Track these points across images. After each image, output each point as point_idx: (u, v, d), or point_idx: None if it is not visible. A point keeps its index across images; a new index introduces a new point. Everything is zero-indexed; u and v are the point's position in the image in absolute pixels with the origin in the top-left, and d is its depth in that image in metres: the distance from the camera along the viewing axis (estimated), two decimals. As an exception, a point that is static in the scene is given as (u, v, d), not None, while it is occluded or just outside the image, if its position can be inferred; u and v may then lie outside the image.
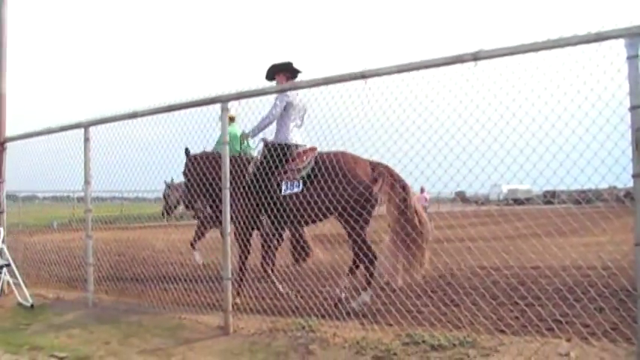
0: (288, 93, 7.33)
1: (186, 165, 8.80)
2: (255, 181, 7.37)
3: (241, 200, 7.36)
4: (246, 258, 7.59)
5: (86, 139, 8.10)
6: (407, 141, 5.14)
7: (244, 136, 7.91)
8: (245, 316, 6.56)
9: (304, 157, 7.28)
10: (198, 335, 6.21)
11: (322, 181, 6.73)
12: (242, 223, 7.40)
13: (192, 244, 10.70)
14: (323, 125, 5.77)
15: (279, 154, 7.28)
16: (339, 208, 6.69)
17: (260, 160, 7.62)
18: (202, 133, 7.00)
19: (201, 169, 8.20)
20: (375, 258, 6.88)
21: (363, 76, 5.30)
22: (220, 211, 6.97)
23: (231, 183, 6.64)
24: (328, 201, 6.62)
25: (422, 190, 25.04)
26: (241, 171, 7.56)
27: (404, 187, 6.78)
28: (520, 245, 7.59)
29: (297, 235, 7.95)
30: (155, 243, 11.97)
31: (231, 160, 6.71)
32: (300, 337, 5.64)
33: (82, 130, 8.16)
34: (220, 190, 6.54)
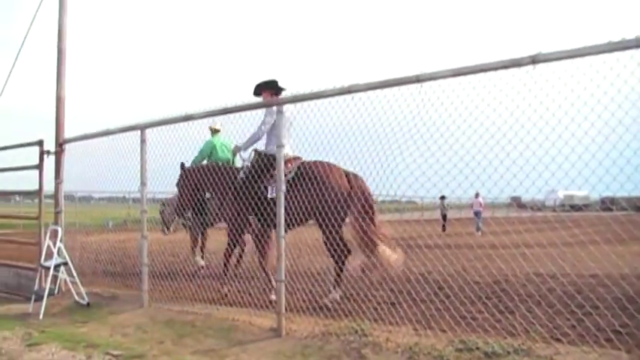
0: (275, 110, 7.58)
1: (180, 176, 9.55)
2: (245, 186, 8.17)
3: (233, 203, 8.29)
4: (230, 255, 8.58)
5: (142, 141, 8.25)
6: (463, 145, 5.12)
7: (237, 149, 8.77)
8: (298, 319, 6.60)
9: (289, 165, 7.84)
10: (250, 337, 6.27)
11: (304, 185, 7.47)
12: (233, 223, 8.39)
13: (192, 250, 11.32)
14: (378, 129, 5.78)
15: (268, 162, 7.95)
16: (318, 210, 7.30)
17: (250, 167, 8.31)
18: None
19: (194, 180, 9.04)
20: (346, 257, 7.58)
21: (418, 79, 5.31)
22: (205, 217, 8.97)
23: (224, 189, 8.02)
24: (308, 203, 7.27)
25: (477, 195, 24.83)
26: (234, 178, 8.43)
27: (371, 207, 7.64)
28: (577, 252, 7.44)
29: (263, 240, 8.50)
30: (208, 244, 12.10)
31: (224, 169, 8.32)
32: (353, 341, 5.64)
33: (139, 132, 8.35)
34: (205, 198, 8.35)
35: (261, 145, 8.45)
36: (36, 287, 8.91)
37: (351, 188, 7.60)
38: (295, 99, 6.32)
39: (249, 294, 7.76)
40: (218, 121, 10.38)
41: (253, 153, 8.42)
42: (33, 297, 8.63)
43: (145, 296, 8.17)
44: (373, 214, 7.65)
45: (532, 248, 8.09)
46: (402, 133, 5.60)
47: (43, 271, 8.99)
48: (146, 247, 8.31)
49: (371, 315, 6.37)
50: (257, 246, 8.55)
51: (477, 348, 5.10)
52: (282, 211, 6.44)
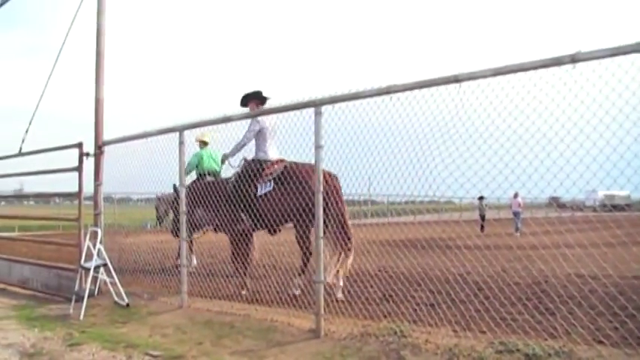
0: (259, 119, 8.85)
1: (175, 198, 10.40)
2: (236, 189, 9.02)
3: (227, 209, 8.98)
4: (245, 253, 9.32)
5: (181, 143, 8.39)
6: (502, 145, 5.11)
7: (225, 157, 9.51)
8: (336, 320, 6.62)
9: (276, 166, 9.00)
10: (289, 338, 6.31)
11: (288, 184, 8.40)
12: (229, 224, 9.11)
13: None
14: (417, 129, 5.80)
15: (258, 167, 9.03)
16: (298, 207, 8.11)
17: (241, 171, 9.25)
18: (295, 137, 7.17)
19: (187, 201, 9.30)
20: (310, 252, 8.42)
21: (456, 79, 5.32)
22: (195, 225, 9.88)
23: (217, 202, 8.81)
24: (290, 200, 8.21)
25: (515, 196, 24.72)
26: (224, 188, 9.26)
27: (342, 202, 8.47)
28: (620, 253, 7.37)
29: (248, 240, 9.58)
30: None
31: (213, 184, 9.38)
32: (392, 342, 5.65)
33: (177, 134, 8.47)
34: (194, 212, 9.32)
35: (249, 153, 9.37)
36: (76, 288, 9.05)
37: (327, 188, 7.85)
38: (333, 100, 6.36)
39: (288, 294, 7.81)
40: (207, 133, 11.19)
41: (243, 161, 9.41)
42: (73, 298, 8.78)
43: (184, 297, 8.26)
44: (344, 213, 8.48)
45: (573, 249, 8.02)
46: (440, 133, 5.61)
47: (83, 272, 9.13)
48: (185, 249, 8.43)
49: (410, 316, 6.37)
50: (238, 243, 9.33)
51: (518, 350, 5.07)
52: (321, 211, 6.48)
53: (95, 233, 9.42)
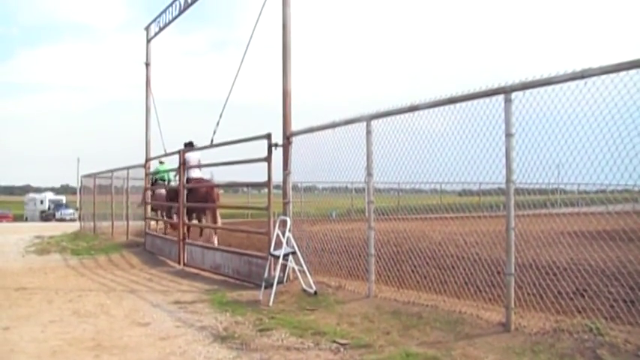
0: (187, 156, 15.65)
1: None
2: (175, 192, 16.64)
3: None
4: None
5: (368, 132, 8.58)
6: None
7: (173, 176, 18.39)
8: (527, 314, 6.53)
9: (191, 183, 15.72)
10: (478, 331, 6.33)
11: (192, 192, 15.60)
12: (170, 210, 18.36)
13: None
14: (615, 115, 5.64)
15: (186, 181, 15.73)
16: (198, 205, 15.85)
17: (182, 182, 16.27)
18: (485, 125, 7.14)
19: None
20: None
21: (582, 76, 5.24)
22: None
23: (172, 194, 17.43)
24: (195, 201, 15.52)
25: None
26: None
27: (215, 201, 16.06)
28: None
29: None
30: (433, 235, 12.21)
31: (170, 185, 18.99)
32: (587, 340, 5.52)
33: (364, 123, 8.70)
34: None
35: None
36: (265, 275, 9.61)
37: (209, 194, 15.64)
38: (525, 86, 6.29)
39: (476, 286, 7.77)
40: (164, 159, 18.92)
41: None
42: (263, 284, 9.32)
43: (372, 286, 8.47)
44: (215, 209, 16.19)
45: None
46: (568, 133, 5.58)
47: (273, 259, 9.65)
48: (373, 238, 8.64)
49: (606, 313, 6.14)
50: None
51: None
52: (512, 202, 6.44)
53: (284, 222, 9.87)
